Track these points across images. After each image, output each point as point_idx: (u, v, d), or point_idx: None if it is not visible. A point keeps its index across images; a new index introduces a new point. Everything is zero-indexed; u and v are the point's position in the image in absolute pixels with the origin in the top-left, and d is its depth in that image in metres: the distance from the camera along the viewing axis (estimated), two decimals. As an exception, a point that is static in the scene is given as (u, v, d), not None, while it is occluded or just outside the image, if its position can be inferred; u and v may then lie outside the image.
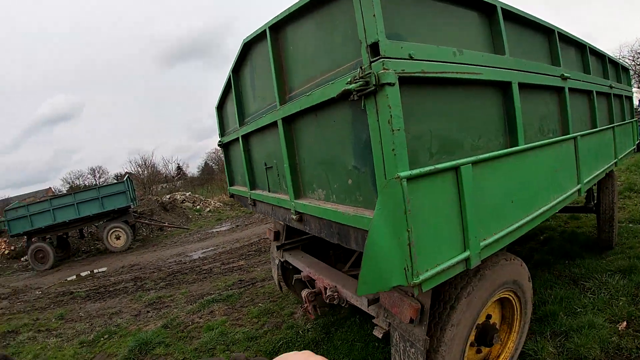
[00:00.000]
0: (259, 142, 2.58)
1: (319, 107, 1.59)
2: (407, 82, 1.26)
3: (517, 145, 1.69)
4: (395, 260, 1.22)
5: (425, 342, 1.64)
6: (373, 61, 1.19)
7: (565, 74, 2.26)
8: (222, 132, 3.68)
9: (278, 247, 3.38)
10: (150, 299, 5.59)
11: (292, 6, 1.66)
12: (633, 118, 4.73)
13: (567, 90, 2.30)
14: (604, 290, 3.12)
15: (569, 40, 2.64)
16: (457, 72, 1.40)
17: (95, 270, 8.94)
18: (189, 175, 35.68)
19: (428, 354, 1.73)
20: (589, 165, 2.63)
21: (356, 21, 1.23)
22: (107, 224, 10.83)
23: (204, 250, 8.89)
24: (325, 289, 2.35)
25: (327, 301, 2.29)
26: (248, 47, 2.37)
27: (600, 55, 3.45)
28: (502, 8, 1.72)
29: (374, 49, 1.19)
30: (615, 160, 3.35)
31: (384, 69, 1.16)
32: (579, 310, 2.92)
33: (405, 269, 1.21)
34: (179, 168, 35.21)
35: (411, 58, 1.26)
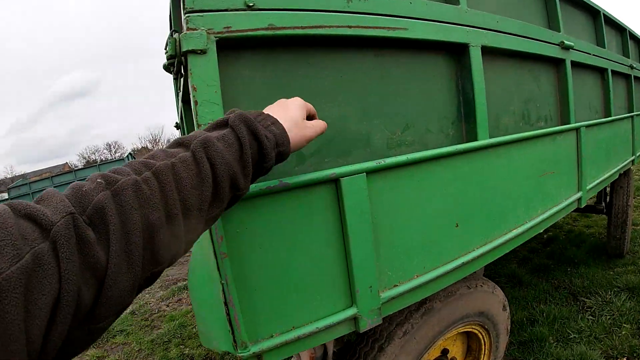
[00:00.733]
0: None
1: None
2: (241, 46, 0.79)
3: (476, 140, 1.17)
4: (219, 320, 0.78)
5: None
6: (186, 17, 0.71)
7: (567, 42, 1.68)
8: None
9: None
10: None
11: None
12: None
13: (568, 64, 1.72)
14: (606, 312, 2.59)
15: (576, 1, 2.03)
16: (349, 26, 0.87)
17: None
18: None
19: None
20: (597, 164, 2.05)
21: None
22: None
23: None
24: None
25: None
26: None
27: (619, 28, 2.77)
28: None
29: (183, -4, 0.71)
30: (633, 158, 2.73)
31: (188, 28, 0.70)
32: (572, 336, 2.42)
33: (231, 332, 0.76)
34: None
35: (249, 7, 0.76)
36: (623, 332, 2.34)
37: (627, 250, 3.28)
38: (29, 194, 10.46)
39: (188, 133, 1.29)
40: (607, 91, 2.26)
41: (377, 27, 0.91)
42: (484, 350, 1.83)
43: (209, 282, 0.83)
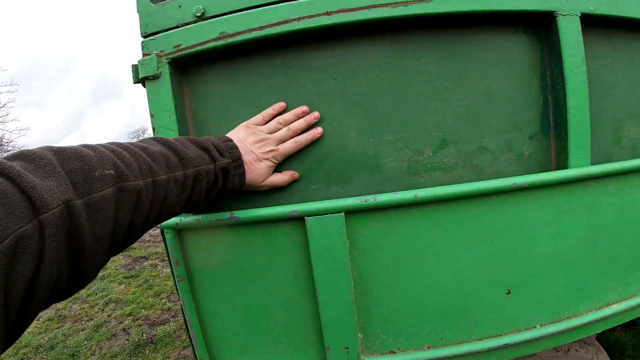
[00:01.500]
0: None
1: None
2: (206, 60, 0.71)
3: (565, 167, 0.76)
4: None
5: None
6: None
7: None
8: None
9: None
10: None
11: None
12: None
13: None
14: None
15: None
16: (327, 13, 0.61)
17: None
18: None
19: None
20: None
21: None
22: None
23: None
24: None
25: None
26: None
27: None
28: None
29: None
30: None
31: (143, 54, 0.69)
32: None
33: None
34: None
35: (199, 18, 0.66)
36: None
37: None
38: None
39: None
40: None
41: (381, 5, 0.60)
42: None
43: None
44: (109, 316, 3.26)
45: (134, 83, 0.71)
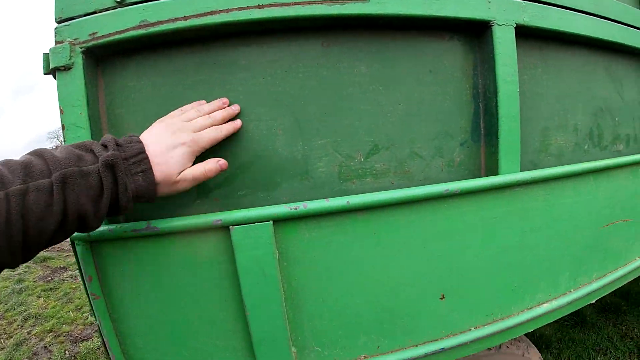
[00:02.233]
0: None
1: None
2: (126, 52, 0.64)
3: (496, 173, 0.77)
4: None
5: None
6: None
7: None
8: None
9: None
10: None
11: None
12: None
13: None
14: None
15: None
16: (258, 6, 0.58)
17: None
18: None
19: None
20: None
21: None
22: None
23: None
24: None
25: None
26: None
27: None
28: None
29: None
30: None
31: (56, 42, 0.61)
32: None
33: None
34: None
35: (119, 4, 0.60)
36: None
37: None
38: None
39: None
40: None
41: (316, 2, 0.58)
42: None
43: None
44: (28, 333, 3.05)
45: (45, 74, 0.63)
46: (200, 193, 0.65)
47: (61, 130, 0.60)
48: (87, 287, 0.67)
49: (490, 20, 0.74)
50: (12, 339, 2.90)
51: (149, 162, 0.54)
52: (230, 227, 0.60)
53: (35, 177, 0.45)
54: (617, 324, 2.65)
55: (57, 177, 0.46)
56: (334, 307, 0.69)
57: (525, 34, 0.82)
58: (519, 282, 0.86)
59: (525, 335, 1.06)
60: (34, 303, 3.58)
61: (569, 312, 1.02)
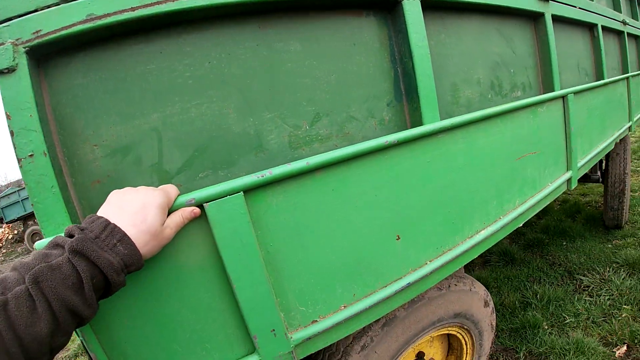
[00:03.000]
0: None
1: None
2: (69, 49, 0.64)
3: (420, 124, 0.90)
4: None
5: None
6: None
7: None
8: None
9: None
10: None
11: None
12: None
13: (548, 18, 1.42)
14: (604, 291, 2.39)
15: None
16: None
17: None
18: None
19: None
20: (589, 136, 1.77)
21: None
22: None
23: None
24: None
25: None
26: None
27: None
28: None
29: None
30: (630, 124, 2.43)
31: None
32: (568, 320, 2.23)
33: None
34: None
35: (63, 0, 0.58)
36: (623, 315, 2.14)
37: (626, 220, 3.06)
38: (18, 201, 10.38)
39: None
40: (598, 51, 1.95)
41: None
42: (466, 350, 1.65)
43: None
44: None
45: None
46: (162, 180, 0.67)
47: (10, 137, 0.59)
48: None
49: (399, -3, 0.86)
50: None
51: (121, 230, 0.53)
52: (204, 204, 0.62)
53: (12, 288, 0.45)
54: (544, 255, 3.07)
55: (29, 279, 0.46)
56: (309, 265, 0.76)
57: (429, 6, 0.96)
58: (457, 216, 1.00)
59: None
60: None
61: (503, 237, 1.20)
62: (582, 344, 1.97)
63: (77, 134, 0.65)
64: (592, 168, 3.09)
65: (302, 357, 0.78)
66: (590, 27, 1.90)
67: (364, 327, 1.18)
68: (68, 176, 0.64)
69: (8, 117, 0.57)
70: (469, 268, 3.14)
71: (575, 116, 1.54)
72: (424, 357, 1.56)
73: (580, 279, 2.62)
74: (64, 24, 0.58)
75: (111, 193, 0.59)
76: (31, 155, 0.57)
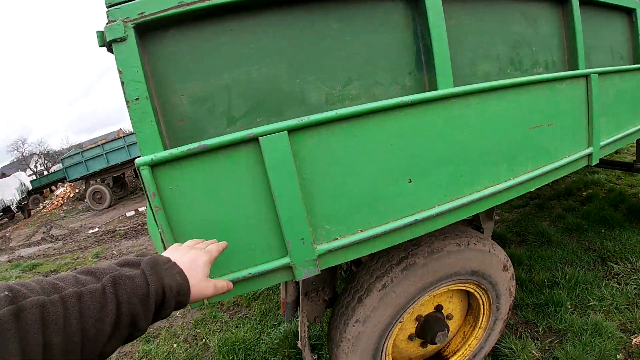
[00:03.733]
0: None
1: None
2: (163, 25, 0.87)
3: (436, 89, 1.08)
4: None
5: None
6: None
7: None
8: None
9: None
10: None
11: None
12: None
13: (575, 2, 1.51)
14: (632, 280, 2.39)
15: None
16: None
17: (141, 209, 9.58)
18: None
19: (330, 347, 1.50)
20: (617, 118, 1.81)
21: None
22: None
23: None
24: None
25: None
26: None
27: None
28: None
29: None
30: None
31: (109, 21, 0.82)
32: (592, 303, 2.27)
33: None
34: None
35: None
36: (647, 307, 2.15)
37: (671, 212, 2.95)
38: (82, 162, 11.11)
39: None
40: (636, 35, 1.95)
41: None
42: (483, 310, 1.80)
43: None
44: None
45: (99, 47, 0.84)
46: (230, 122, 0.93)
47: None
48: (150, 202, 0.88)
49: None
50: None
51: (179, 266, 0.64)
52: (260, 137, 0.87)
53: (86, 284, 0.51)
54: (581, 240, 3.06)
55: (108, 280, 0.52)
56: (335, 193, 0.99)
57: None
58: (466, 170, 1.18)
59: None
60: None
61: (513, 197, 1.35)
62: (601, 327, 2.01)
63: (168, 86, 0.90)
64: (639, 152, 3.00)
65: (323, 268, 1.01)
66: (629, 11, 1.92)
67: (385, 269, 1.39)
68: (161, 115, 0.90)
69: (120, 72, 0.81)
70: (504, 244, 3.20)
71: (599, 96, 1.61)
72: (442, 311, 1.74)
73: (612, 266, 2.61)
74: (161, 8, 0.82)
75: (171, 247, 0.75)
76: (137, 99, 0.83)
